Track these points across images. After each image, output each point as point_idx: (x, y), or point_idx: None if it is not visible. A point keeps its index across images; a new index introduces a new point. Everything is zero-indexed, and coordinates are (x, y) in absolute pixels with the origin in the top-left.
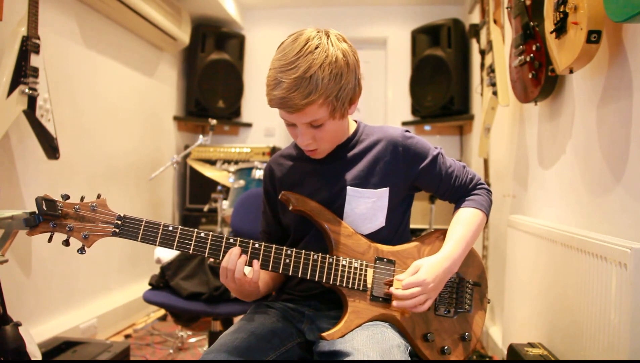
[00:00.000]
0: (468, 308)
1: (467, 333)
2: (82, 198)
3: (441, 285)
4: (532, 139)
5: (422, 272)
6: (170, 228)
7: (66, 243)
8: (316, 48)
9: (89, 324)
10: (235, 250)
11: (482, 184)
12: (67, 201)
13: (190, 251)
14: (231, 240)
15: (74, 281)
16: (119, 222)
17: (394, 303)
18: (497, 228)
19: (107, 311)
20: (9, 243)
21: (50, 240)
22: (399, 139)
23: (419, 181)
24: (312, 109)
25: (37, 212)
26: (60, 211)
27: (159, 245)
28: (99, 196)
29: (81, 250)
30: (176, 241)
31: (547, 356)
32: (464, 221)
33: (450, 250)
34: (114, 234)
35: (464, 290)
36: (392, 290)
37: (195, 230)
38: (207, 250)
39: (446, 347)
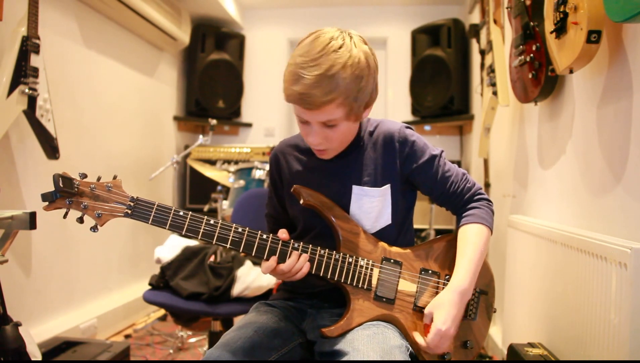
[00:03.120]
0: (472, 316)
1: (469, 341)
2: (98, 178)
3: (458, 320)
4: (532, 139)
5: (438, 320)
6: (181, 213)
7: (80, 220)
8: (340, 47)
9: (89, 324)
10: (306, 267)
11: (481, 194)
12: (84, 179)
13: (199, 237)
14: (240, 229)
15: (74, 281)
16: (132, 204)
17: (424, 355)
18: (497, 228)
19: (107, 311)
20: (9, 243)
21: (65, 216)
22: (396, 134)
23: (413, 179)
24: (330, 109)
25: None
26: (76, 189)
27: (168, 229)
28: (115, 177)
29: (94, 229)
30: (186, 227)
31: (547, 356)
32: (469, 241)
33: (460, 280)
34: (126, 215)
35: (470, 297)
36: (421, 345)
37: (205, 217)
38: (215, 238)
39: (446, 353)
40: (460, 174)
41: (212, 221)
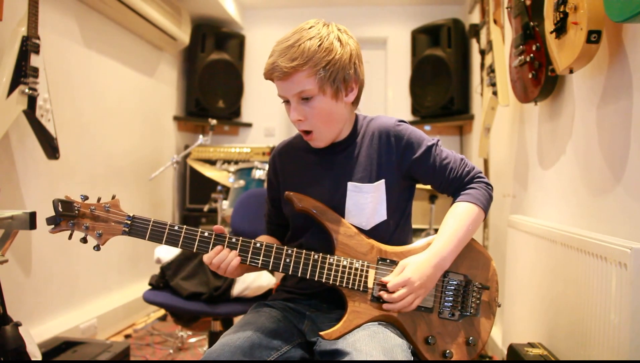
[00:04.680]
0: (474, 312)
1: (471, 338)
2: (98, 199)
3: (430, 283)
4: (532, 139)
5: (407, 271)
6: (176, 228)
7: (84, 240)
8: (310, 28)
9: (89, 324)
10: (232, 254)
11: (480, 177)
12: (85, 201)
13: (194, 250)
14: (233, 240)
15: (74, 281)
16: (129, 222)
17: (384, 306)
18: (497, 228)
19: (107, 311)
20: (9, 243)
21: (70, 237)
22: (391, 128)
23: (412, 172)
24: (299, 78)
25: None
26: (77, 211)
27: (164, 244)
28: (113, 197)
29: (96, 247)
30: (181, 240)
31: (547, 356)
32: (456, 216)
33: (439, 246)
34: (124, 233)
35: (471, 293)
36: (382, 293)
37: (200, 229)
38: (209, 249)
39: (448, 351)
40: (458, 160)
41: (206, 233)
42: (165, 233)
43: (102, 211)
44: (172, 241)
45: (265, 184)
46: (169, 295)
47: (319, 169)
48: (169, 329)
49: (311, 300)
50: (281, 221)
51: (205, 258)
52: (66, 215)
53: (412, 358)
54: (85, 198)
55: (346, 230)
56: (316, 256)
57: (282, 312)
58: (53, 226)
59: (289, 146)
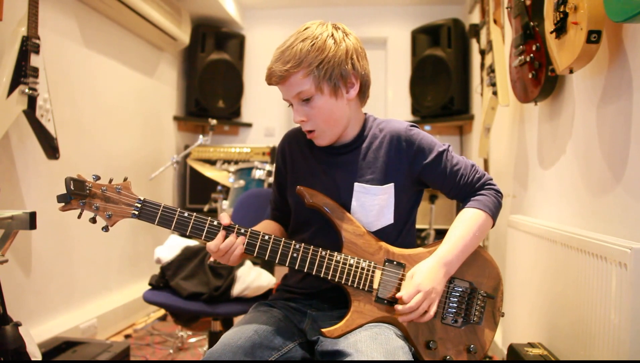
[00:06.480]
0: (477, 320)
1: (473, 346)
2: (110, 180)
3: (440, 287)
4: (532, 139)
5: (417, 278)
6: (186, 214)
7: (93, 220)
8: (305, 29)
9: (89, 324)
10: (239, 240)
11: (490, 184)
12: (97, 181)
13: (202, 238)
14: (242, 230)
15: (74, 281)
16: (139, 205)
17: (400, 319)
18: (497, 228)
19: (107, 311)
20: (9, 243)
21: (79, 216)
22: (402, 133)
23: (423, 177)
24: (295, 79)
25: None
26: (88, 191)
27: (173, 230)
28: (125, 179)
29: (105, 229)
30: (190, 228)
31: (547, 356)
32: (463, 222)
33: (445, 251)
34: (134, 216)
35: (475, 300)
36: (396, 306)
37: (209, 218)
38: None
39: (448, 357)
40: (469, 166)
41: (215, 222)
42: (175, 219)
43: (114, 192)
44: (180, 228)
45: (266, 184)
46: (169, 295)
47: (326, 167)
48: (169, 329)
49: (312, 300)
50: (285, 208)
51: (212, 245)
52: (77, 194)
53: (413, 360)
54: (97, 178)
55: (355, 229)
56: (323, 253)
57: (283, 312)
58: (63, 204)
59: (300, 138)
